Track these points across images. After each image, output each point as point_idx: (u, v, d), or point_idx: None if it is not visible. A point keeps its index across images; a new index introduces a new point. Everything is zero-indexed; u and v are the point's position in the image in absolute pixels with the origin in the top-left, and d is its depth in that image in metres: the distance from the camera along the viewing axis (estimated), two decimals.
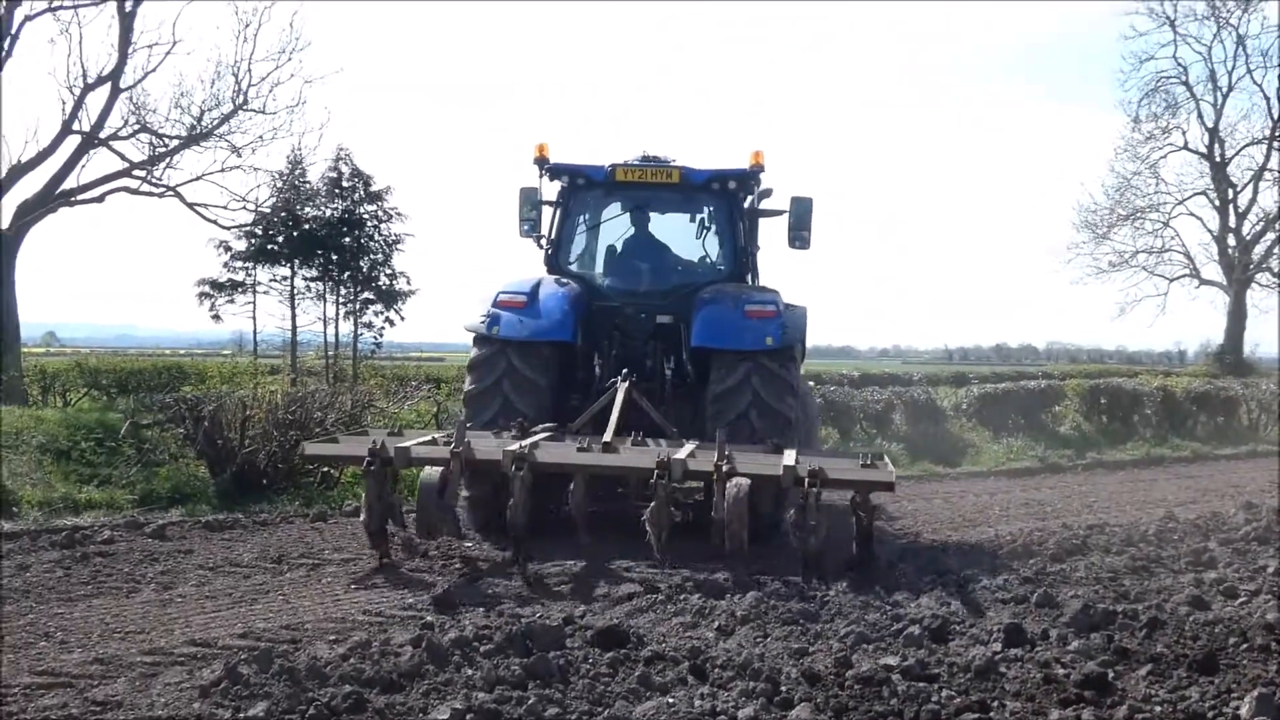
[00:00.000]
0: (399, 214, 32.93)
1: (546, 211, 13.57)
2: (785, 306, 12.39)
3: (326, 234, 31.44)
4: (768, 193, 13.80)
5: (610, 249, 13.69)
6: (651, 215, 13.64)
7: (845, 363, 56.97)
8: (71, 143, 26.84)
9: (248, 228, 30.38)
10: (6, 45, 25.73)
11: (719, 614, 8.31)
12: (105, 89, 26.81)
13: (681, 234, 13.74)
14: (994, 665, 6.77)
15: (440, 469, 10.23)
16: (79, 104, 26.57)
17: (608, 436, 10.98)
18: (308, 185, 31.77)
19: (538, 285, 12.51)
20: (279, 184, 30.00)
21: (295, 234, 31.21)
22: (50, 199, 26.79)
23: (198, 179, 27.94)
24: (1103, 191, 53.69)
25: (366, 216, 32.52)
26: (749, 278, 13.54)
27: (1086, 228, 52.89)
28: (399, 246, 32.85)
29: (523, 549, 9.95)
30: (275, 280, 32.98)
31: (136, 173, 27.68)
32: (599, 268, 13.55)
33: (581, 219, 13.52)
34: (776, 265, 14.69)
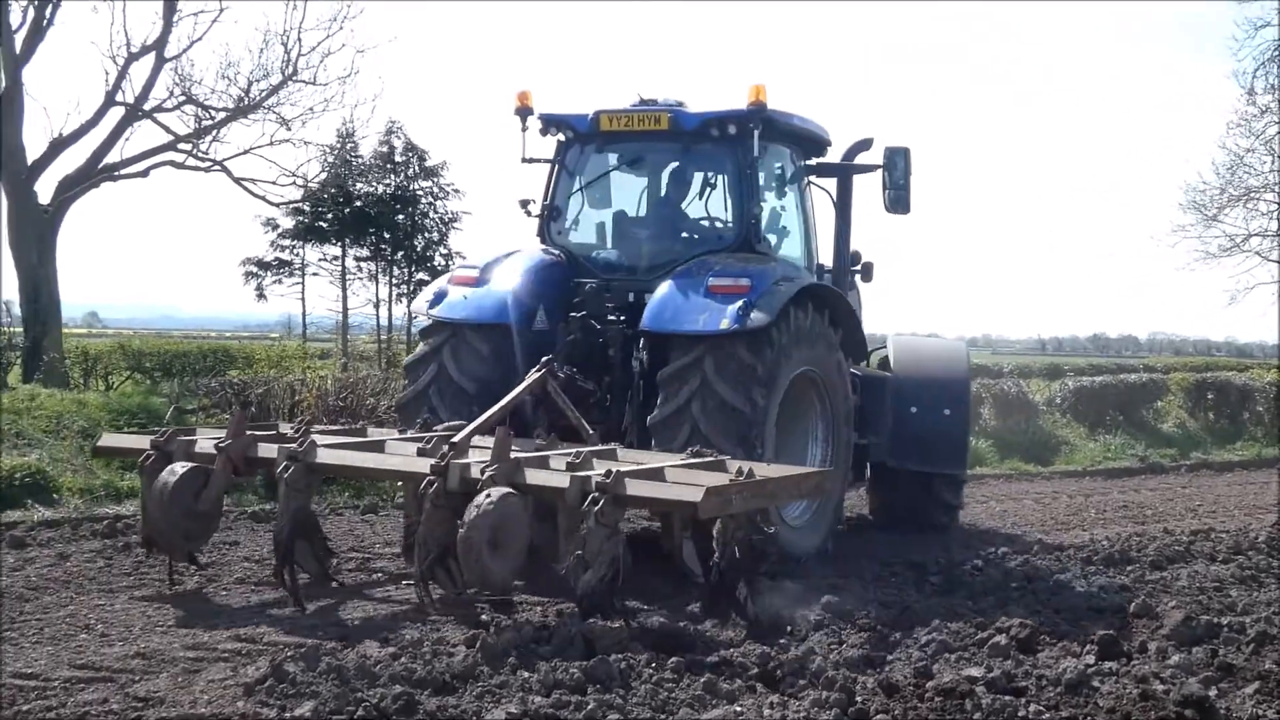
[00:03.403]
0: (455, 191, 33.10)
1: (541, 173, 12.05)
2: (783, 281, 10.46)
3: (379, 212, 31.65)
4: (865, 144, 12.38)
5: (598, 214, 12.09)
6: (647, 171, 12.01)
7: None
8: (115, 115, 27.31)
9: (296, 204, 30.68)
10: (49, 13, 26.22)
11: (791, 619, 8.31)
12: (149, 59, 27.24)
13: (684, 193, 11.99)
14: (1086, 679, 6.72)
15: (187, 467, 9.12)
16: (122, 74, 27.02)
17: (459, 436, 9.24)
18: (359, 160, 32.02)
19: (503, 259, 11.36)
20: (329, 159, 30.29)
21: (346, 211, 31.46)
22: (93, 173, 27.25)
23: (245, 153, 28.32)
24: (1213, 170, 52.63)
25: (421, 193, 32.69)
26: (768, 244, 11.58)
27: (1194, 209, 51.86)
28: (455, 225, 33.05)
29: (288, 568, 8.73)
30: (325, 260, 33.30)
31: (182, 146, 28.13)
32: (585, 236, 11.99)
33: (574, 179, 11.92)
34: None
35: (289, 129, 28.16)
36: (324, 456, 8.99)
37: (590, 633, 7.30)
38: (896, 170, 12.03)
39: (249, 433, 9.55)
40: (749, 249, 11.23)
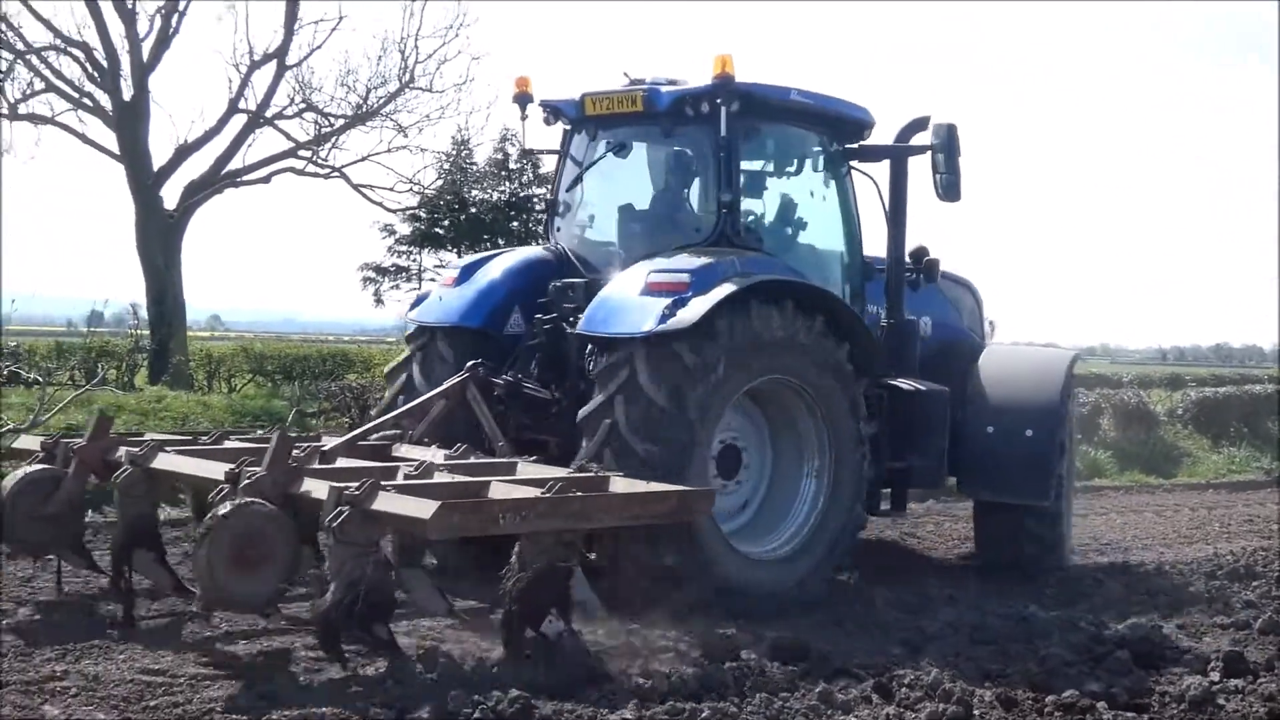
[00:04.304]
0: None
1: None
2: (737, 276, 9.15)
3: (493, 218, 32.00)
4: (921, 124, 10.82)
5: (589, 207, 11.06)
6: (630, 158, 10.84)
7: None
8: (237, 122, 27.90)
9: (413, 210, 31.11)
10: (175, 22, 26.89)
11: (907, 630, 8.25)
12: (271, 67, 27.77)
13: (665, 180, 10.85)
14: (1211, 697, 6.59)
15: (31, 470, 8.76)
16: (245, 82, 27.57)
17: (330, 446, 8.76)
18: (474, 167, 32.37)
19: (490, 258, 10.71)
20: (445, 165, 30.66)
21: (461, 218, 31.85)
22: (216, 179, 27.89)
23: (363, 160, 28.77)
24: None
25: (535, 200, 32.94)
26: (757, 237, 10.21)
27: None
28: None
29: (123, 580, 8.25)
30: (441, 266, 33.65)
31: (302, 153, 28.65)
32: (578, 232, 10.97)
33: (571, 169, 10.90)
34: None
35: (406, 136, 28.56)
36: (160, 462, 8.34)
37: (705, 641, 7.31)
38: (949, 151, 10.55)
39: (113, 436, 9.00)
40: (728, 242, 9.91)
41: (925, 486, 11.74)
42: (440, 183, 30.22)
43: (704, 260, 9.28)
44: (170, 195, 27.58)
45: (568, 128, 10.81)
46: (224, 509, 7.07)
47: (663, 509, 7.81)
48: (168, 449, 8.51)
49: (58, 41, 26.31)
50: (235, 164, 28.07)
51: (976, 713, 6.37)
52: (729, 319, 8.92)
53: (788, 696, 6.57)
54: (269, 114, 28.03)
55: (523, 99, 10.84)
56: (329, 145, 28.67)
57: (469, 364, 9.63)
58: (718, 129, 9.81)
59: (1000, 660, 7.55)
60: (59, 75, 26.67)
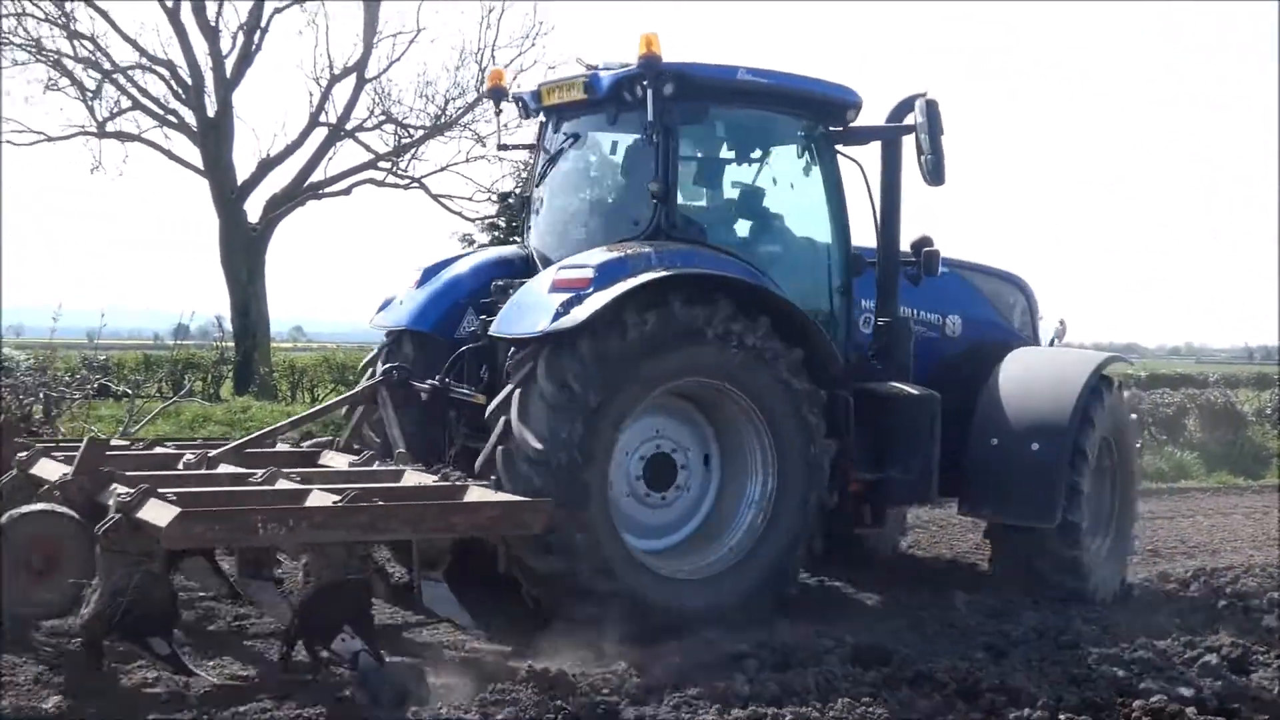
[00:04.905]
0: None
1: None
2: (650, 270, 8.28)
3: None
4: (913, 103, 9.62)
5: (549, 203, 10.16)
6: (582, 148, 10.07)
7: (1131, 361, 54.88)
8: (318, 135, 28.38)
9: (491, 219, 31.38)
10: (257, 38, 27.34)
11: (990, 634, 8.18)
12: (351, 80, 28.21)
13: (610, 172, 10.08)
14: None
15: None
16: (325, 95, 28.07)
17: (217, 452, 8.47)
18: None
19: (456, 259, 10.16)
20: (523, 174, 30.87)
21: None
22: (298, 192, 28.32)
23: (442, 170, 29.13)
24: None
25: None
26: (699, 229, 9.25)
27: None
28: None
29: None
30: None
31: (382, 164, 29.03)
32: (540, 229, 10.09)
33: (539, 163, 10.24)
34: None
35: (484, 145, 28.85)
36: (37, 468, 7.96)
37: (787, 647, 7.30)
38: (932, 130, 9.39)
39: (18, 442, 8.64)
40: (665, 235, 8.95)
41: (908, 502, 10.47)
42: (518, 191, 30.48)
43: (615, 255, 8.45)
44: (253, 209, 28.10)
45: (541, 121, 10.14)
46: (10, 513, 6.88)
47: (480, 521, 7.21)
48: (55, 455, 8.15)
49: (144, 60, 26.97)
50: (316, 176, 28.59)
51: (1062, 717, 6.30)
52: (615, 318, 8.08)
53: (870, 702, 6.52)
54: (349, 126, 28.48)
55: (496, 93, 10.41)
56: (408, 156, 29.12)
57: (384, 368, 9.30)
58: (655, 113, 8.92)
59: (1086, 665, 7.45)
60: (145, 93, 27.34)
